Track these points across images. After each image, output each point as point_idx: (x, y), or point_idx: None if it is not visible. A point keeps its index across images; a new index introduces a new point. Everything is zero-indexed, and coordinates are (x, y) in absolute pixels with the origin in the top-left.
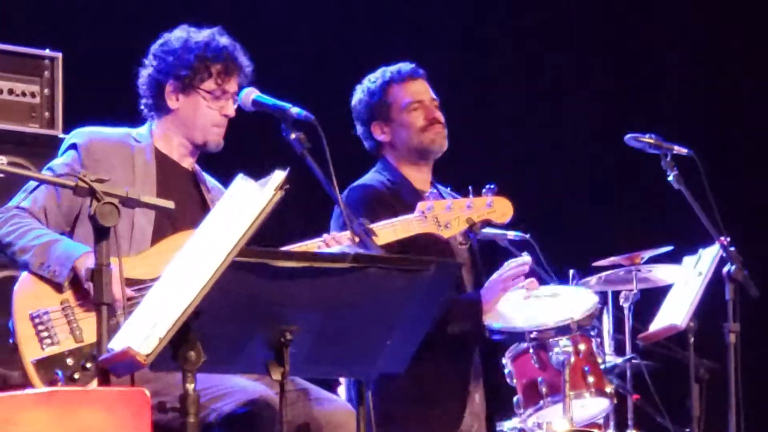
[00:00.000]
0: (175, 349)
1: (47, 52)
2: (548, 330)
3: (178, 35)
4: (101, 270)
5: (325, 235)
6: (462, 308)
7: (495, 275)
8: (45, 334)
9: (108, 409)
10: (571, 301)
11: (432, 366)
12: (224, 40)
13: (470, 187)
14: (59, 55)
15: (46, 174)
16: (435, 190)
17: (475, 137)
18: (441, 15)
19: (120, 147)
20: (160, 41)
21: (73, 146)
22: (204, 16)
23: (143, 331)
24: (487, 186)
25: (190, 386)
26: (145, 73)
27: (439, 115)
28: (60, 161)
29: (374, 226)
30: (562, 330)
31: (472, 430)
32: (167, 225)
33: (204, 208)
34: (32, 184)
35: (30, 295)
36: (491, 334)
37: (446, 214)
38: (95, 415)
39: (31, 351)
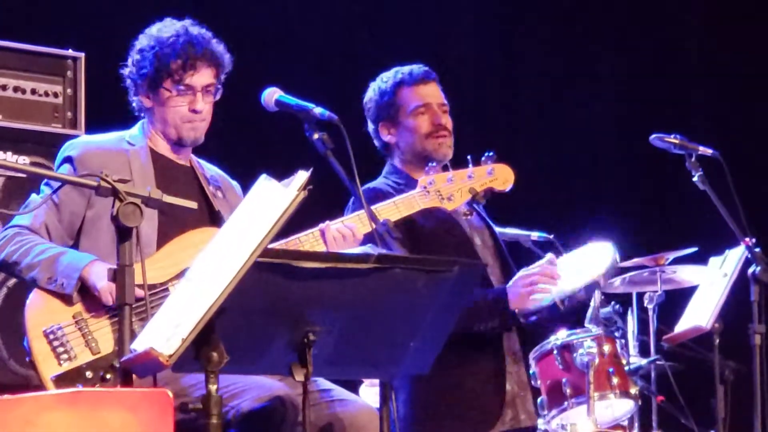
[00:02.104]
0: (198, 350)
1: (70, 52)
2: (578, 292)
3: (149, 33)
4: (123, 270)
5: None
6: (488, 307)
7: (522, 272)
8: (61, 349)
9: (131, 410)
10: (589, 261)
11: (467, 368)
12: (189, 34)
13: (469, 157)
14: (82, 55)
15: (62, 174)
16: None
17: (499, 136)
18: (466, 7)
19: (115, 153)
20: (137, 40)
21: (68, 159)
22: (225, 16)
23: (166, 332)
24: (486, 154)
25: (213, 387)
26: (125, 73)
27: (447, 122)
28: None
29: (376, 207)
30: (591, 288)
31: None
32: (171, 227)
33: (206, 203)
34: (32, 201)
35: (41, 312)
36: (525, 318)
37: (448, 187)
38: (118, 416)
39: (49, 368)
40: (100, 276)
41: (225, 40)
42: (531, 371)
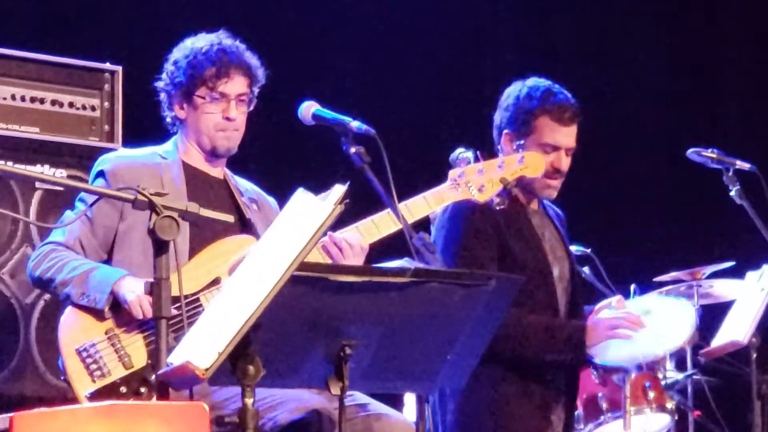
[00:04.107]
0: (234, 364)
1: (107, 65)
2: (659, 359)
3: (184, 43)
4: (160, 283)
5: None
6: (565, 340)
7: (606, 312)
8: (94, 366)
9: (167, 423)
10: (670, 320)
11: (517, 387)
12: (223, 44)
13: (499, 147)
14: (119, 68)
15: (99, 188)
16: (540, 209)
17: None
18: (503, 18)
19: (147, 168)
20: (171, 55)
21: (101, 174)
22: (263, 31)
23: (203, 345)
24: (517, 142)
25: (249, 401)
26: (159, 86)
27: (566, 166)
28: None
29: (407, 203)
30: (673, 355)
31: None
32: (202, 238)
33: (238, 214)
34: (67, 217)
35: (74, 330)
36: (594, 367)
37: (479, 178)
38: (154, 429)
39: (83, 386)
40: (130, 290)
41: (263, 53)
42: None
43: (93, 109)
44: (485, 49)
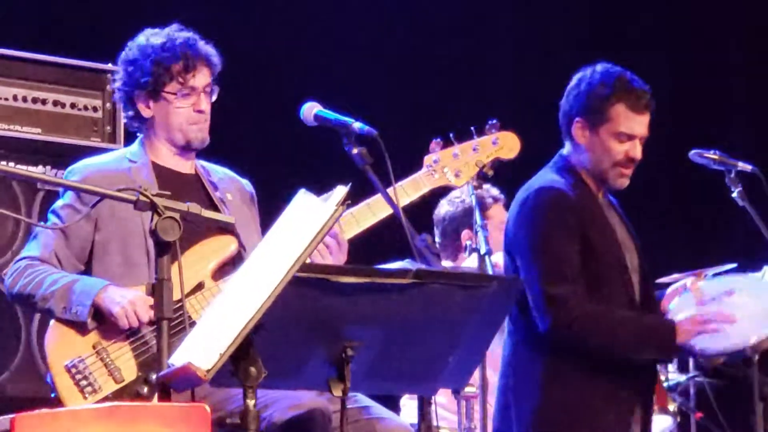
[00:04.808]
0: (236, 365)
1: (109, 66)
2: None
3: (137, 42)
4: (162, 284)
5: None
6: (657, 339)
7: (692, 313)
8: (84, 382)
9: (169, 425)
10: (759, 301)
11: (600, 391)
12: (182, 37)
13: (473, 129)
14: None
15: (100, 189)
16: (606, 200)
17: (541, 150)
18: (504, 17)
19: (116, 173)
20: (123, 52)
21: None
22: (266, 30)
23: (204, 347)
24: (489, 122)
25: (251, 402)
26: (116, 87)
27: (639, 155)
28: (61, 203)
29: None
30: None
31: None
32: (183, 240)
33: (214, 210)
34: (38, 230)
35: (61, 346)
36: (705, 357)
37: (455, 163)
38: (156, 431)
39: (75, 403)
40: (114, 301)
41: (264, 55)
42: None
43: (95, 110)
44: (485, 48)
